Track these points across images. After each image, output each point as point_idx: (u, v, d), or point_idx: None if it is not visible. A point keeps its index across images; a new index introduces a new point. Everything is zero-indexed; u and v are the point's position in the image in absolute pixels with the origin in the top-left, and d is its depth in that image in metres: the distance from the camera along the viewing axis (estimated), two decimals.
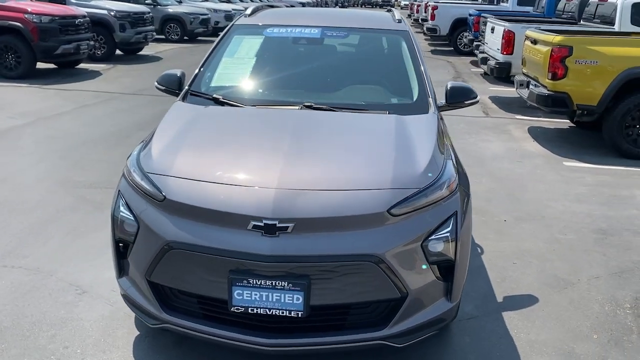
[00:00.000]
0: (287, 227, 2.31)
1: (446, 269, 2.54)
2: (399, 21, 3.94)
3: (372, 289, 2.39)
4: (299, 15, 4.29)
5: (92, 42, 11.59)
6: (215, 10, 19.89)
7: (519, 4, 16.00)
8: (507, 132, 7.73)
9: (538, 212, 4.85)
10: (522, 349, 2.95)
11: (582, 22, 10.37)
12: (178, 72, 3.60)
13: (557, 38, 6.61)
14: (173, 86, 3.56)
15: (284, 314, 2.35)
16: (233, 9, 21.03)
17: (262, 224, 2.31)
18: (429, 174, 2.57)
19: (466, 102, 3.42)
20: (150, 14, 14.43)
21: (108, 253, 3.66)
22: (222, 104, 3.21)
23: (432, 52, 17.04)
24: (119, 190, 2.70)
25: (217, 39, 3.76)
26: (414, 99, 3.28)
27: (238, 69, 3.53)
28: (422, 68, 3.48)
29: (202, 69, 3.50)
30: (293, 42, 3.77)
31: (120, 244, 2.69)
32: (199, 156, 2.71)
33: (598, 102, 6.52)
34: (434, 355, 2.88)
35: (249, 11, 4.02)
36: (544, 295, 3.51)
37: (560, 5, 12.59)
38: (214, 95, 3.24)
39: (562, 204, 5.07)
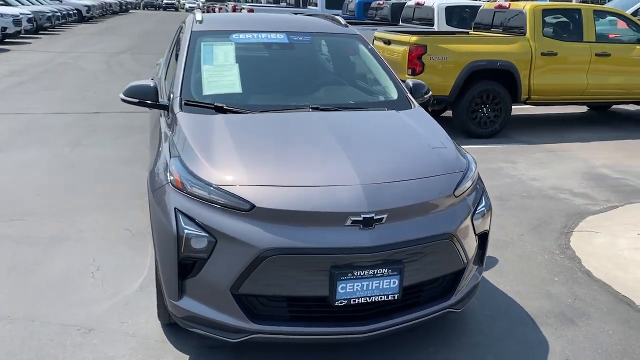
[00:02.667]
0: (382, 218, 2.50)
1: (482, 238, 2.96)
2: (346, 26, 4.24)
3: (446, 263, 2.71)
4: (250, 20, 4.31)
5: None
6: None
7: (328, 7, 17.23)
8: None
9: None
10: (515, 298, 3.52)
11: (401, 23, 11.71)
12: (151, 83, 3.43)
13: (414, 38, 7.50)
14: (149, 97, 3.38)
15: (382, 299, 2.54)
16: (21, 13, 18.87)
17: (360, 218, 2.46)
18: (462, 158, 2.96)
19: (425, 96, 3.87)
20: None
21: (76, 284, 3.41)
22: (224, 111, 3.17)
23: None
24: (176, 208, 2.57)
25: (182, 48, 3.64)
26: (397, 96, 3.63)
27: (225, 76, 3.47)
28: (388, 67, 3.85)
29: (184, 78, 3.38)
30: (265, 47, 3.83)
31: (184, 264, 2.57)
32: (265, 163, 2.71)
33: (450, 92, 7.57)
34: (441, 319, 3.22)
35: (199, 17, 3.94)
36: (497, 255, 4.15)
37: (372, 9, 13.95)
38: (216, 104, 3.19)
39: None
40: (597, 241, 4.43)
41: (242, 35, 3.76)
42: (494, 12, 8.70)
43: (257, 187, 2.53)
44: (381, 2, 13.43)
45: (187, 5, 61.10)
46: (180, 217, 2.55)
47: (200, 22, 3.88)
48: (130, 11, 54.46)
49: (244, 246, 2.44)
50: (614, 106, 9.95)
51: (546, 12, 7.98)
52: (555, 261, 4.08)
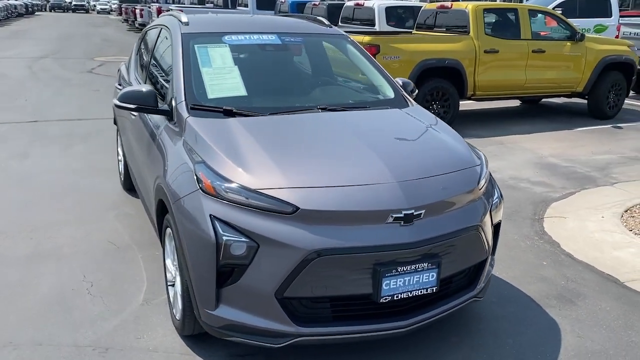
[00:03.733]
0: (420, 213, 2.56)
1: (496, 229, 3.09)
2: (330, 26, 4.26)
3: (474, 254, 2.82)
4: (236, 22, 4.22)
5: None
6: None
7: (259, 7, 17.16)
8: None
9: None
10: (514, 284, 3.69)
11: (340, 23, 11.86)
12: (147, 88, 3.31)
13: (367, 38, 7.63)
14: (147, 103, 3.27)
15: (422, 293, 2.60)
16: None
17: (401, 215, 2.51)
18: (473, 152, 3.08)
19: (413, 94, 3.98)
20: None
21: (74, 303, 3.30)
22: (233, 115, 3.11)
23: None
24: (212, 215, 2.50)
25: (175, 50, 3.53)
26: (394, 95, 3.70)
27: (226, 79, 3.39)
28: (379, 65, 3.92)
29: (185, 83, 3.28)
30: (260, 48, 3.77)
31: (221, 272, 2.51)
32: (300, 164, 2.68)
33: None
34: None
35: (184, 19, 3.83)
36: None
37: (307, 9, 14.03)
38: (225, 108, 3.12)
39: None
40: (569, 226, 4.72)
41: (234, 37, 3.70)
42: (436, 12, 9.02)
43: (299, 189, 2.51)
44: (317, 3, 13.54)
45: (98, 7, 58.68)
46: (217, 223, 2.49)
47: (187, 24, 3.77)
48: (37, 13, 51.45)
49: (289, 249, 2.42)
50: (543, 99, 10.60)
51: (487, 11, 8.38)
52: (538, 246, 4.31)
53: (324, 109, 3.29)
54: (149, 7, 23.37)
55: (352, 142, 2.92)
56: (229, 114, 3.11)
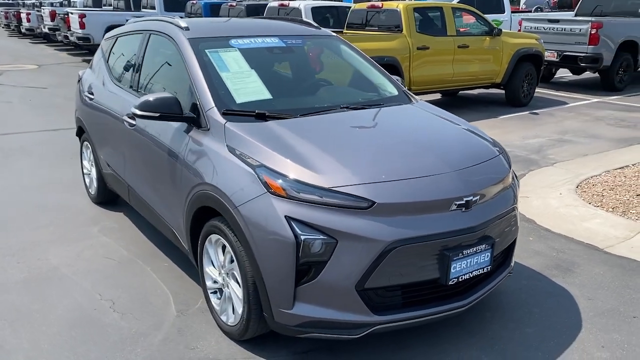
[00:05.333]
0: (476, 199, 2.77)
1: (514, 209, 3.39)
2: (318, 27, 4.36)
3: (511, 233, 3.08)
4: (234, 26, 4.16)
5: None
6: None
7: (167, 9, 16.69)
8: None
9: None
10: (515, 258, 4.03)
11: None
12: (170, 95, 3.25)
13: None
14: (172, 110, 3.21)
15: (479, 273, 2.82)
16: None
17: (463, 202, 2.70)
18: (492, 140, 3.35)
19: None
20: None
21: (104, 322, 3.26)
22: (264, 118, 3.14)
23: (88, 62, 16.17)
24: (287, 216, 2.55)
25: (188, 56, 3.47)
26: (397, 92, 3.88)
27: (247, 83, 3.38)
28: (376, 64, 4.10)
29: (210, 88, 3.25)
30: (268, 51, 3.79)
31: (299, 271, 2.57)
32: (362, 161, 2.77)
33: None
34: None
35: (183, 24, 3.77)
36: None
37: (222, 10, 13.88)
38: (257, 111, 3.14)
39: None
40: (534, 204, 5.19)
41: (240, 41, 3.70)
42: (367, 11, 9.36)
43: (371, 185, 2.62)
44: (233, 4, 13.44)
45: None
46: (294, 223, 2.54)
47: (188, 29, 3.71)
48: None
49: (368, 242, 2.53)
50: (460, 92, 11.33)
51: (417, 10, 8.84)
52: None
53: (346, 108, 3.41)
54: (39, 11, 21.79)
55: (395, 137, 3.08)
56: (262, 117, 3.13)
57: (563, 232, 4.54)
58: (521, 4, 27.93)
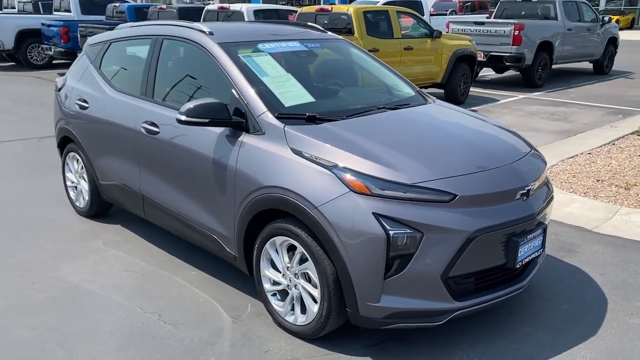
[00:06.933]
0: (533, 188, 3.02)
1: None
2: (325, 31, 4.45)
3: (547, 219, 3.36)
4: (252, 30, 4.12)
5: None
6: None
7: (84, 12, 15.91)
8: None
9: None
10: None
11: None
12: (217, 100, 3.22)
13: None
14: (222, 116, 3.20)
15: (534, 256, 3.07)
16: None
17: (525, 191, 2.94)
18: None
19: None
20: None
21: (160, 334, 3.22)
22: (315, 121, 3.20)
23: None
24: (375, 213, 2.65)
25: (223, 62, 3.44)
26: (414, 92, 4.06)
27: (288, 87, 3.39)
28: (387, 65, 4.27)
29: (258, 93, 3.26)
30: (294, 55, 3.82)
31: (387, 265, 2.68)
32: (430, 157, 2.93)
33: None
34: None
35: (206, 29, 3.73)
36: None
37: (151, 14, 13.47)
38: (308, 114, 3.20)
39: None
40: None
41: (267, 45, 3.72)
42: (316, 15, 9.52)
43: (450, 179, 2.78)
44: (164, 7, 13.08)
45: None
46: (382, 219, 2.65)
47: (212, 33, 3.68)
48: None
49: (452, 233, 2.69)
50: None
51: (366, 13, 9.13)
52: None
53: (384, 109, 3.54)
54: None
55: (444, 134, 3.28)
56: (312, 120, 3.19)
57: (551, 217, 4.94)
58: (429, 7, 29.32)
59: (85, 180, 4.74)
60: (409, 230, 2.66)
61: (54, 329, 3.21)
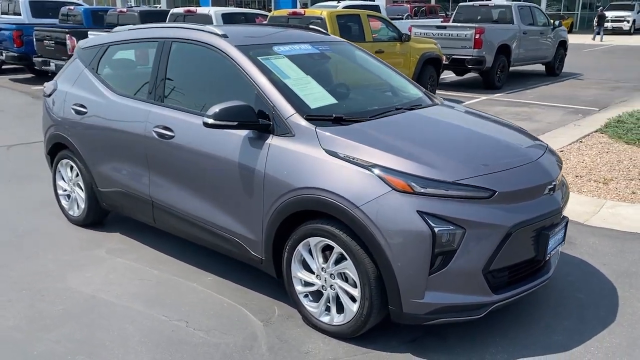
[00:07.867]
0: (557, 183, 3.15)
1: None
2: (326, 34, 4.48)
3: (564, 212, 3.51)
4: (265, 33, 4.07)
5: None
6: None
7: (35, 15, 15.31)
8: None
9: None
10: None
11: None
12: (243, 103, 3.20)
13: None
14: (250, 118, 3.18)
15: (558, 247, 3.21)
16: None
17: (552, 186, 3.06)
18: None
19: None
20: None
21: (191, 341, 3.13)
22: (341, 122, 3.23)
23: None
24: (419, 211, 2.71)
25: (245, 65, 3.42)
26: (422, 93, 4.15)
27: (310, 89, 3.38)
28: (392, 67, 4.35)
29: (284, 95, 3.26)
30: (309, 57, 3.82)
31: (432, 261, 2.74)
32: (464, 156, 3.00)
33: None
34: None
35: (220, 31, 3.69)
36: None
37: (110, 16, 13.11)
38: (335, 115, 3.22)
39: None
40: None
41: (282, 48, 3.72)
42: (288, 18, 9.53)
43: (488, 176, 2.87)
44: (124, 10, 12.75)
45: None
46: (427, 217, 2.71)
47: (226, 36, 3.65)
48: None
49: (493, 228, 2.78)
50: None
51: (339, 17, 9.21)
52: None
53: (402, 110, 3.61)
54: None
55: (468, 133, 3.38)
56: (339, 121, 3.22)
57: None
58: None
59: (81, 188, 4.58)
60: (452, 227, 2.73)
61: (79, 341, 3.10)
